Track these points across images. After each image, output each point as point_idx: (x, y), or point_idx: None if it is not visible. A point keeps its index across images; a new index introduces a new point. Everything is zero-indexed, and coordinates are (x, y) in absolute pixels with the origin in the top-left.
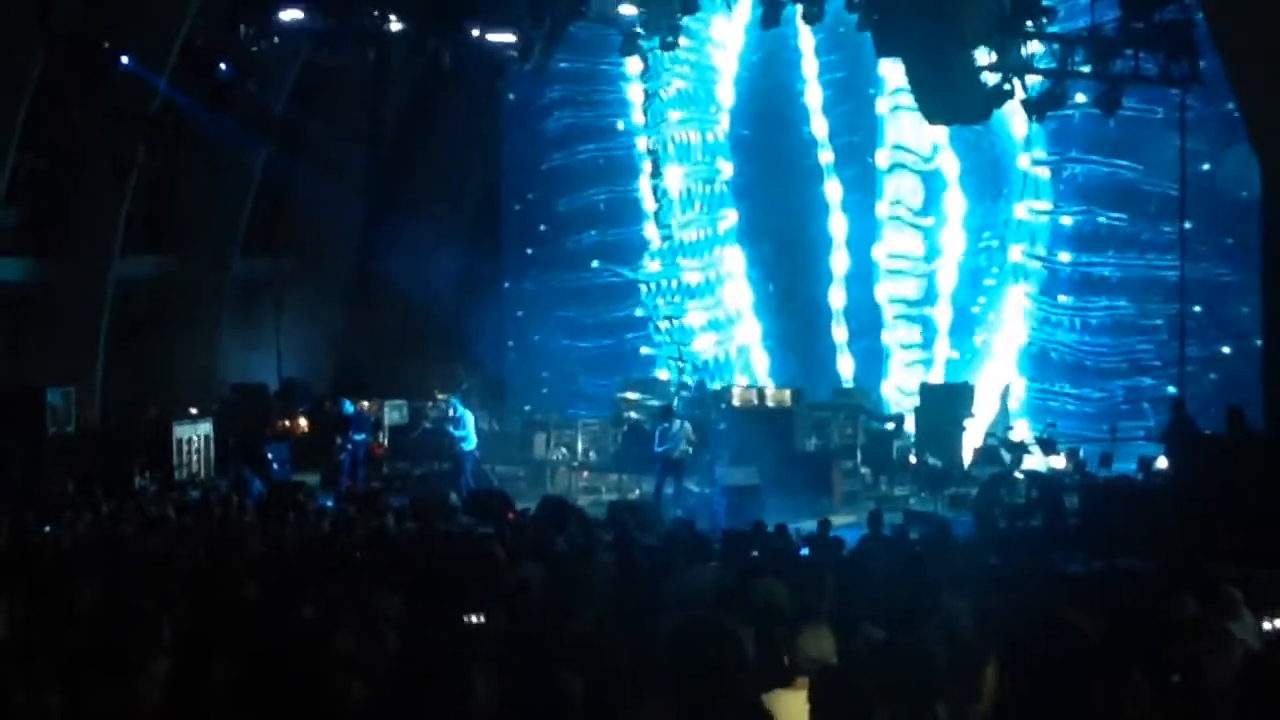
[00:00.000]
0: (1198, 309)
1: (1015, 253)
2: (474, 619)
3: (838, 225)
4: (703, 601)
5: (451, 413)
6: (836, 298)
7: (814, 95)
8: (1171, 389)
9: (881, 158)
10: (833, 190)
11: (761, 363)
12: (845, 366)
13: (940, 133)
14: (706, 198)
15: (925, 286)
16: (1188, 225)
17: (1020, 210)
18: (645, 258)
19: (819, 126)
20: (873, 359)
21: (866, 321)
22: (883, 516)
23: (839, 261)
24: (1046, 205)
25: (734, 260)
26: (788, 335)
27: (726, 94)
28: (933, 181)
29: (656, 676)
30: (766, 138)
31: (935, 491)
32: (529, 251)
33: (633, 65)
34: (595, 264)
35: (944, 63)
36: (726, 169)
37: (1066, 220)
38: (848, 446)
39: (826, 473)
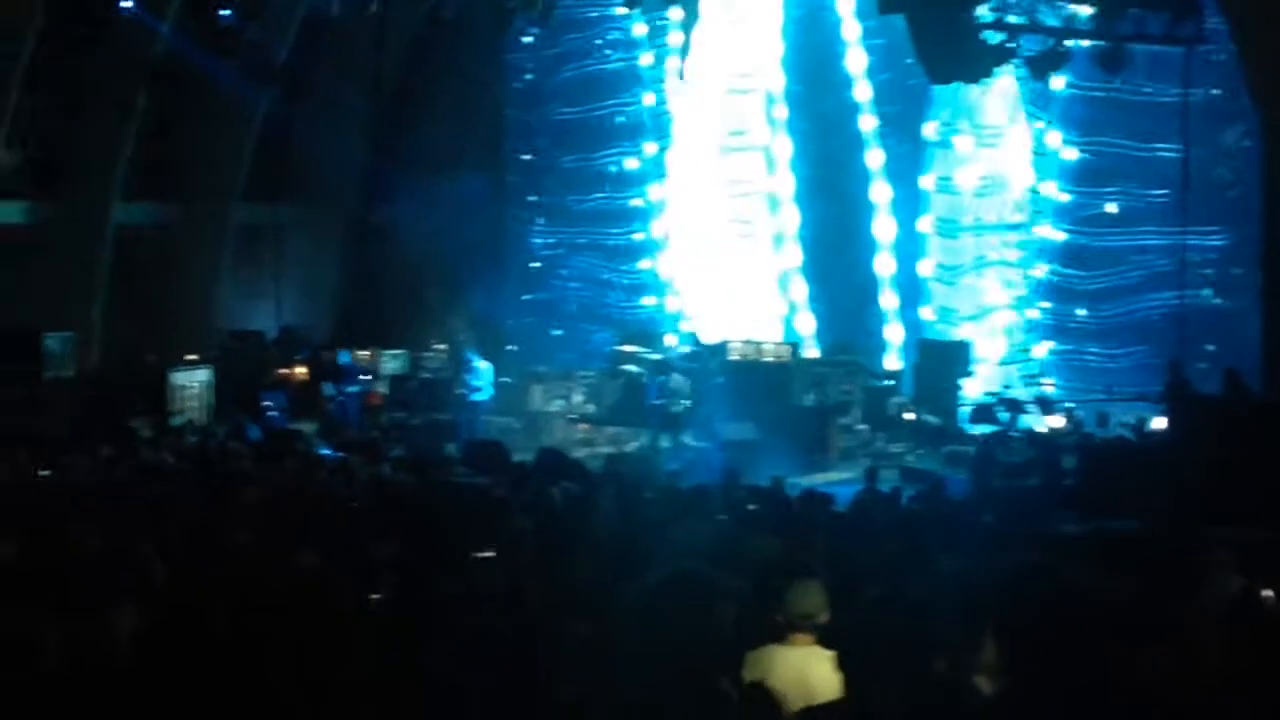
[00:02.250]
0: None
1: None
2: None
3: (881, 193)
4: (698, 556)
5: (466, 362)
6: (885, 265)
7: (856, 60)
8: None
9: (930, 129)
10: (875, 158)
11: (808, 325)
12: (894, 334)
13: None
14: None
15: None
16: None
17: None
18: (654, 217)
19: (862, 92)
20: (912, 330)
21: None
22: (879, 473)
23: (883, 229)
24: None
25: (789, 221)
26: (834, 299)
27: (774, 48)
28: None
29: (641, 629)
30: (811, 99)
31: (932, 449)
32: (534, 199)
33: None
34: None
35: (946, 20)
36: (765, 131)
37: (1063, 195)
38: (845, 402)
39: (824, 428)
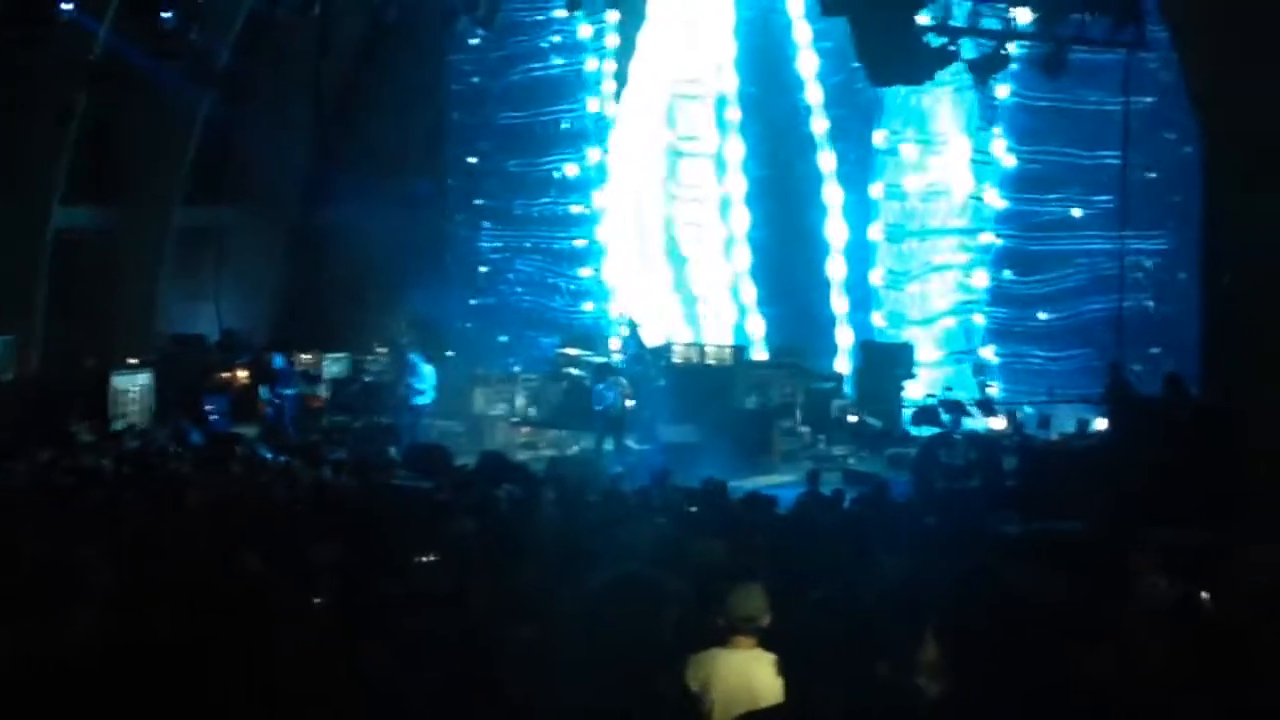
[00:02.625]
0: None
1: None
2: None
3: (832, 196)
4: (640, 559)
5: (410, 365)
6: (836, 269)
7: (807, 63)
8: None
9: (879, 137)
10: (826, 161)
11: (758, 328)
12: (845, 337)
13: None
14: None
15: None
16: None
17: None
18: (597, 222)
19: (813, 95)
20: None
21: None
22: (821, 476)
23: (835, 233)
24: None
25: (740, 224)
26: (785, 302)
27: (726, 50)
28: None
29: (586, 631)
30: (763, 101)
31: (875, 451)
32: (478, 203)
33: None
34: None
35: (889, 23)
36: (713, 134)
37: (1001, 203)
38: (787, 405)
39: (766, 431)
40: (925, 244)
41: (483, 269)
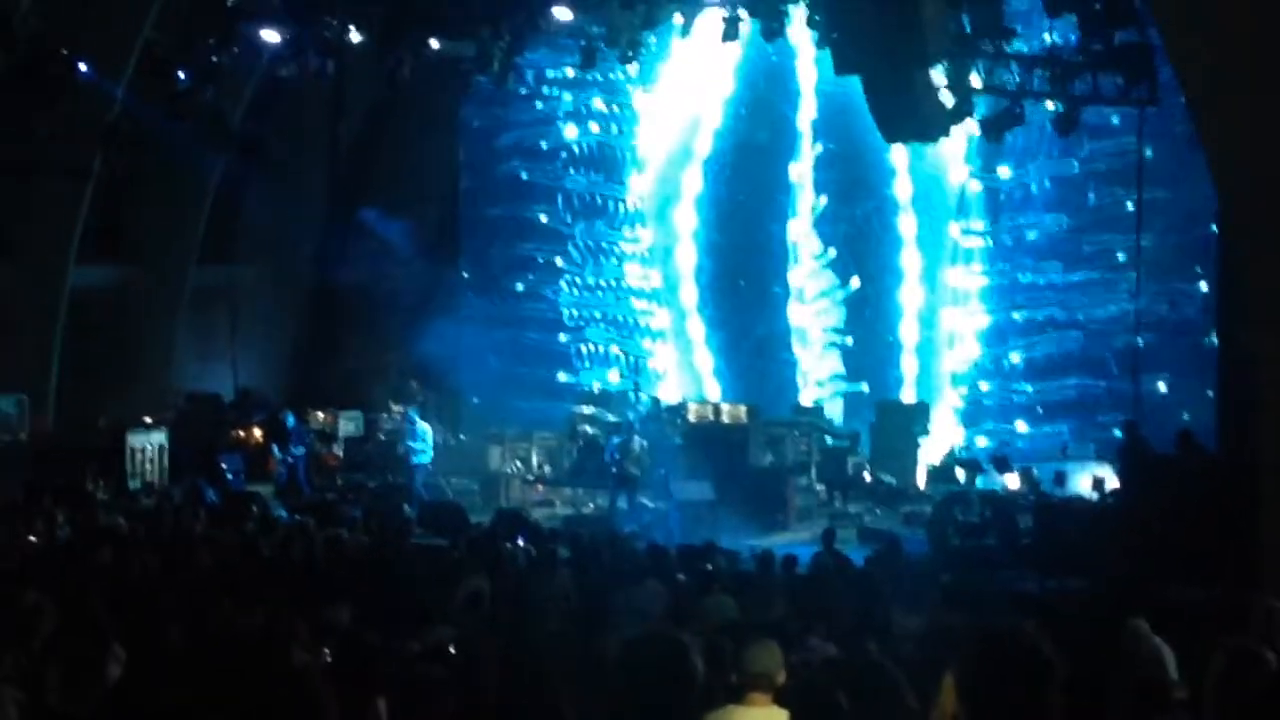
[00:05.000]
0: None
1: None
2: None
3: (911, 260)
4: (655, 615)
5: (408, 424)
6: (909, 333)
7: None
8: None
9: (955, 229)
10: (907, 224)
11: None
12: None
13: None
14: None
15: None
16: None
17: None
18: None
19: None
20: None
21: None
22: (836, 534)
23: (911, 296)
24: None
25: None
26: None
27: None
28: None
29: (607, 689)
30: (843, 158)
31: (890, 509)
32: (491, 266)
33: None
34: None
35: (903, 81)
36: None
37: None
38: (803, 463)
39: (781, 489)
40: (970, 319)
41: (493, 330)
